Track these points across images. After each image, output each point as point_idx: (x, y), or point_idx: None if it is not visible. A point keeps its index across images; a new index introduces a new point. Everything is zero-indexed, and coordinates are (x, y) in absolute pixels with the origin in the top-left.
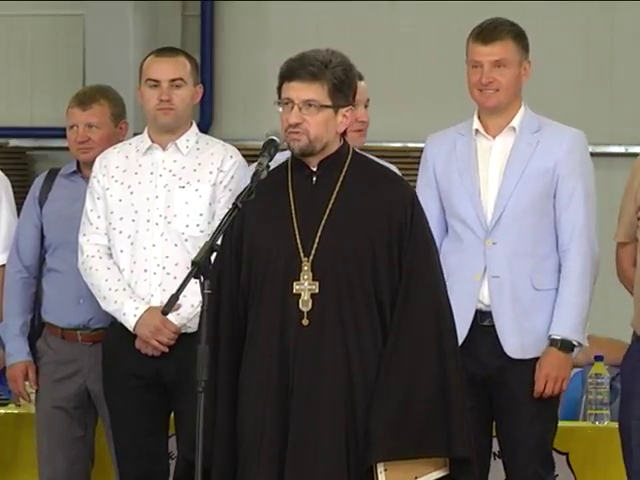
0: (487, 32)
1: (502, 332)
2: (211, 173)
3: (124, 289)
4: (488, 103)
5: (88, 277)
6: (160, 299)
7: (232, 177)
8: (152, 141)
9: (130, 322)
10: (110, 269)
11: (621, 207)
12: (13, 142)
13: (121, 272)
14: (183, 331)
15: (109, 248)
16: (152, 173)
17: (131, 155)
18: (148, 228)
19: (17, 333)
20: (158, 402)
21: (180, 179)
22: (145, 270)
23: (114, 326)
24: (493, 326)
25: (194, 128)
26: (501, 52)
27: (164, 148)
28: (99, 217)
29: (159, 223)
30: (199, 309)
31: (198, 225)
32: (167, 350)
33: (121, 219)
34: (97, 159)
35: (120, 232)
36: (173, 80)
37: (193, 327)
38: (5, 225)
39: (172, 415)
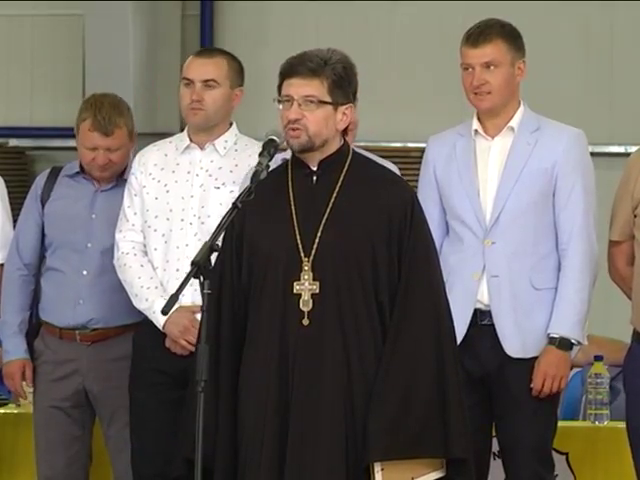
0: (477, 34)
1: (502, 332)
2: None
3: (156, 287)
4: (482, 105)
5: (121, 274)
6: (191, 299)
7: None
8: (190, 140)
9: (160, 321)
10: (143, 267)
11: (615, 205)
12: (13, 142)
13: (154, 270)
14: None
15: (144, 245)
16: (189, 172)
17: (170, 153)
18: (182, 227)
19: (15, 330)
20: (182, 400)
21: (216, 179)
22: (177, 269)
23: (146, 321)
24: (492, 325)
25: (234, 129)
26: (491, 53)
27: (202, 148)
28: (135, 214)
29: (193, 223)
30: None
31: None
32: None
33: (156, 217)
34: (137, 156)
35: (155, 230)
36: (206, 81)
37: None
38: None
39: None
